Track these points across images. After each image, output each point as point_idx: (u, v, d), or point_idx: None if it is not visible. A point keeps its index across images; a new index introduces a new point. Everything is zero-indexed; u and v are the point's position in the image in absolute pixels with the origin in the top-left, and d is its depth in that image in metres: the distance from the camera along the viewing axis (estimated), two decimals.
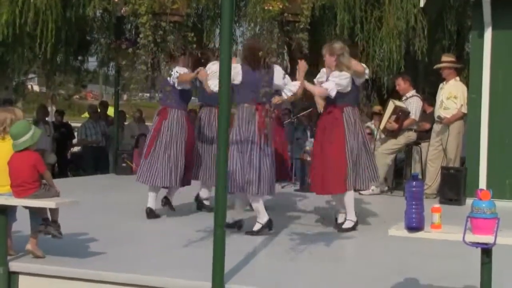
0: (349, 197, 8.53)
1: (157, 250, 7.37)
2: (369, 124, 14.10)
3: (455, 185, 11.18)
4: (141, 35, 8.31)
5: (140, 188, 9.51)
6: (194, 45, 9.05)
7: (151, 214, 9.13)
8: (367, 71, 8.81)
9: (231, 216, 8.06)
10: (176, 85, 9.05)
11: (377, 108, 14.64)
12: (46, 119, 16.94)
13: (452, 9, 14.62)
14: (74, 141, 17.96)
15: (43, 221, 6.75)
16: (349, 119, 8.49)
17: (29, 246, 6.71)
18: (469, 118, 11.53)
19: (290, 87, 8.42)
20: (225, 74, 5.88)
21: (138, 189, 9.78)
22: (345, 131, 8.44)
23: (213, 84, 8.06)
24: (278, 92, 8.70)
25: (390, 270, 6.61)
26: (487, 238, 4.98)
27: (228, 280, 5.92)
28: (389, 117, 12.05)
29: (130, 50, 9.80)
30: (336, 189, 8.49)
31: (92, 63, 18.93)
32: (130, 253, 7.17)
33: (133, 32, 13.34)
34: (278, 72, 8.34)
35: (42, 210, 6.74)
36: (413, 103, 12.24)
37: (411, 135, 12.31)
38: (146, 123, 17.98)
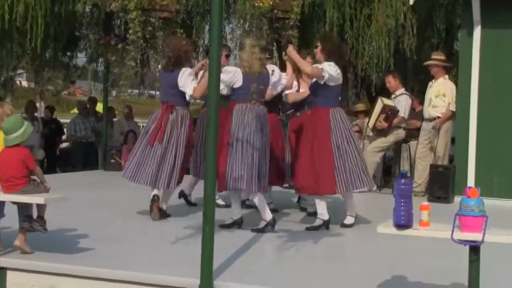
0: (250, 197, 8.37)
1: (147, 246, 7.37)
2: (357, 121, 14.07)
3: (443, 183, 11.21)
4: (130, 31, 8.31)
5: (129, 185, 9.48)
6: (183, 42, 9.07)
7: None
8: (324, 73, 8.25)
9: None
10: None
11: (360, 106, 14.57)
12: (35, 114, 16.89)
13: (442, 7, 14.64)
14: (64, 137, 17.91)
15: (26, 217, 6.73)
16: (238, 116, 8.18)
17: (17, 242, 6.69)
18: (458, 116, 11.56)
19: (185, 89, 8.70)
20: (214, 71, 5.87)
21: (127, 185, 9.75)
22: (229, 128, 8.17)
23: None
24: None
25: (379, 267, 6.61)
26: (475, 236, 4.99)
27: (216, 277, 5.92)
28: (378, 116, 12.06)
29: (119, 46, 9.79)
30: (219, 185, 8.22)
31: (81, 59, 18.95)
32: (119, 249, 7.15)
33: (122, 28, 13.33)
34: (181, 74, 8.61)
35: (27, 206, 6.73)
36: (402, 101, 12.26)
37: (400, 133, 12.33)
38: (135, 120, 17.97)
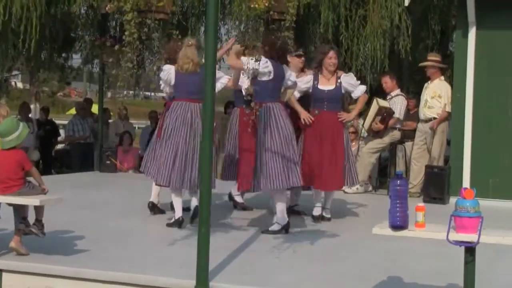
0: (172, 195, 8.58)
1: (142, 248, 7.36)
2: (351, 122, 14.05)
3: (439, 184, 11.21)
4: (126, 33, 8.29)
5: (124, 186, 9.50)
6: (179, 43, 9.08)
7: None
8: (246, 66, 8.05)
9: None
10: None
11: (354, 107, 14.52)
12: (30, 115, 16.86)
13: (437, 8, 14.65)
14: (59, 138, 17.88)
15: (22, 219, 6.73)
16: (169, 113, 8.42)
17: (12, 244, 6.68)
18: (453, 117, 11.56)
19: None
20: (209, 71, 5.88)
21: (122, 187, 9.77)
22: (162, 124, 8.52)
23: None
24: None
25: (375, 268, 6.62)
26: (471, 237, 5.00)
27: (212, 278, 5.92)
28: (374, 118, 12.05)
29: (116, 47, 9.78)
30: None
31: (76, 60, 18.89)
32: (114, 251, 7.16)
33: (118, 29, 13.32)
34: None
35: (22, 208, 6.72)
36: (397, 103, 12.26)
37: (395, 134, 12.33)
38: (131, 121, 17.98)
